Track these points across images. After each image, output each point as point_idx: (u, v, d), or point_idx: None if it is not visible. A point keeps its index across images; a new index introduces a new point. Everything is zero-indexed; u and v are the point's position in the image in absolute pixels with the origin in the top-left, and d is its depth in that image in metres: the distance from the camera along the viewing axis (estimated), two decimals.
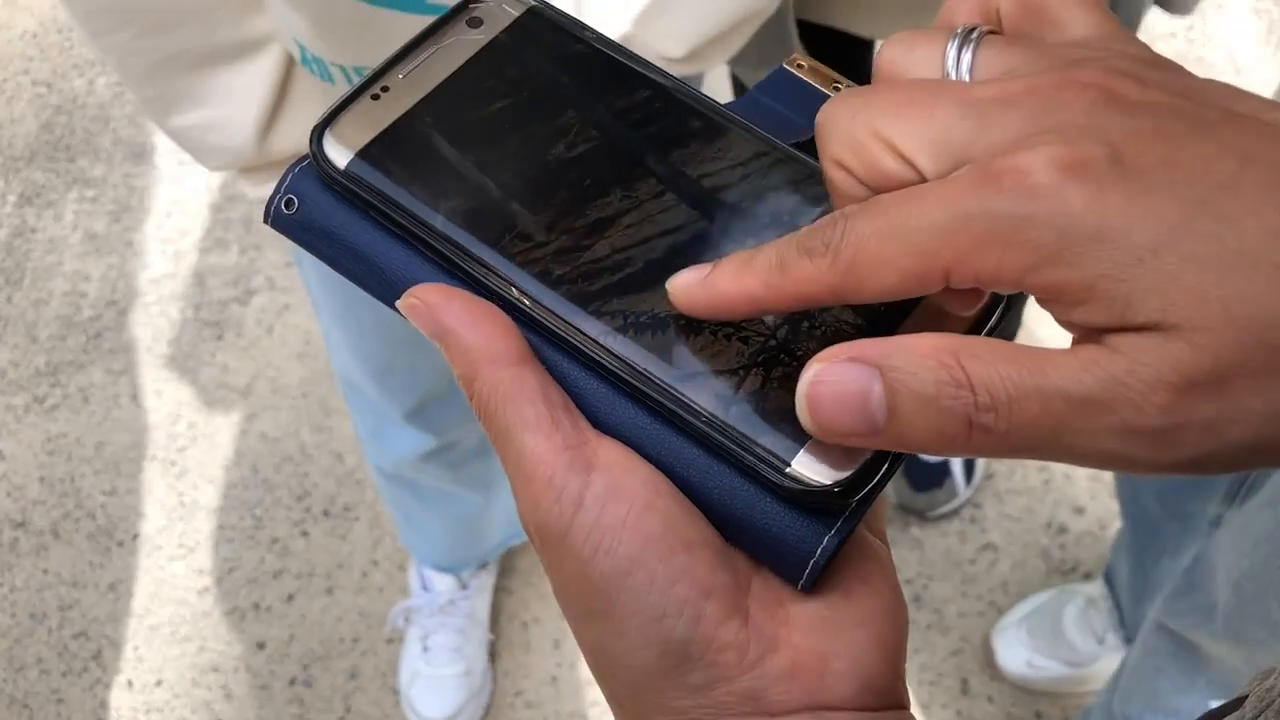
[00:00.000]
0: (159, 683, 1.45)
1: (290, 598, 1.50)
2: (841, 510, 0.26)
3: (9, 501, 1.59)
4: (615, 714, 0.28)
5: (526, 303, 0.28)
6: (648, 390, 0.27)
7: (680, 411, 0.27)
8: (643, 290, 0.28)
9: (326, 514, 1.56)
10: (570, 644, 1.44)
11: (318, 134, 0.30)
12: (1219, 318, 0.20)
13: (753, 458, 0.26)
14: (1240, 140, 0.22)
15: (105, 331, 1.73)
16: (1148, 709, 0.91)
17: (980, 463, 1.51)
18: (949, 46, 0.26)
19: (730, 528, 0.27)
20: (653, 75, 0.32)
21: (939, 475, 1.47)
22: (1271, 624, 0.73)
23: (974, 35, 0.26)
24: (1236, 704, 0.39)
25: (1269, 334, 0.20)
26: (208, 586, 1.51)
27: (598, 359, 0.27)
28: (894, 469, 0.27)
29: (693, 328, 0.28)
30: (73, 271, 1.80)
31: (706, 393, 0.27)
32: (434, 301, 0.27)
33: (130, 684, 1.45)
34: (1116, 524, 1.48)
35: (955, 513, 1.50)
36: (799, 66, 0.32)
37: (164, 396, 1.67)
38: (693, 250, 0.28)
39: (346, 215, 0.30)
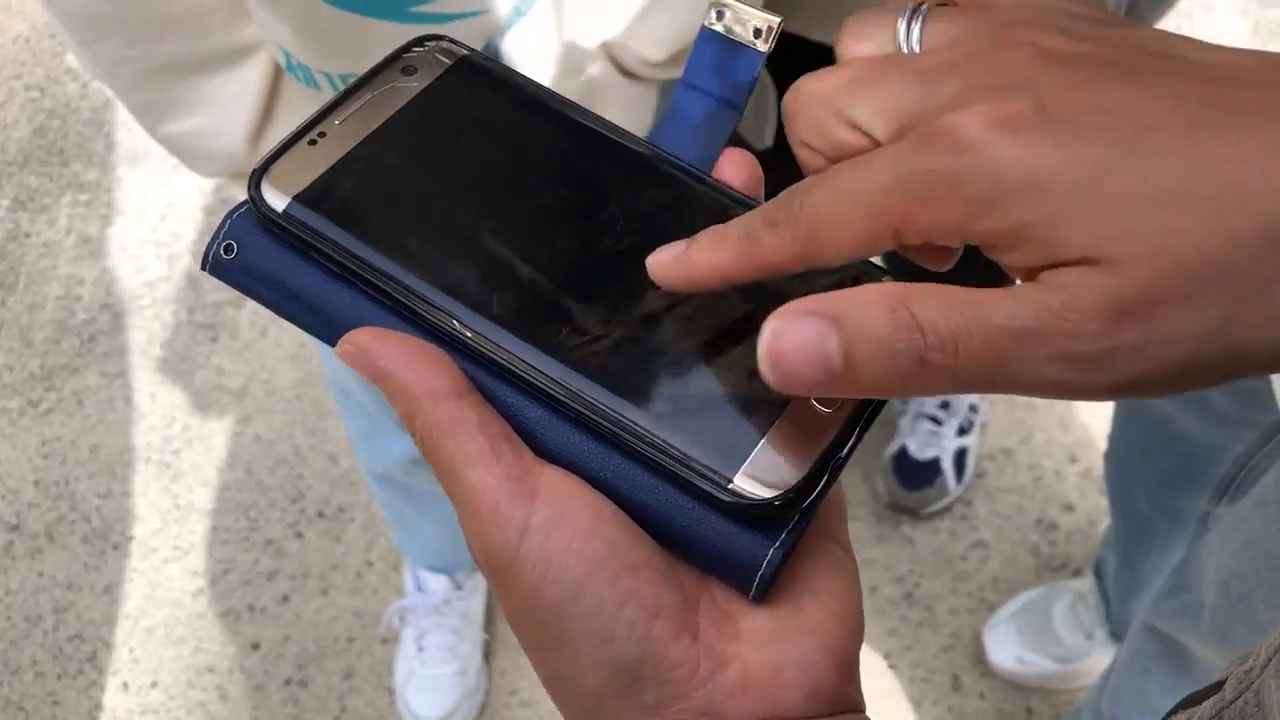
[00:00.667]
0: (154, 684, 1.45)
1: (285, 599, 1.50)
2: (785, 523, 0.27)
3: (3, 505, 1.59)
4: None
5: (467, 335, 0.28)
6: (588, 413, 0.27)
7: (621, 433, 0.27)
8: (579, 317, 0.29)
9: (321, 515, 1.56)
10: None
11: (256, 179, 0.30)
12: (1144, 249, 0.22)
13: (695, 475, 0.27)
14: (1168, 82, 0.23)
15: (99, 335, 1.74)
16: (1135, 708, 0.92)
17: (971, 461, 1.52)
18: (899, 22, 0.27)
19: (677, 545, 0.28)
20: (581, 119, 0.33)
21: (930, 474, 1.48)
22: (1258, 626, 0.74)
23: (921, 9, 0.27)
24: (1216, 687, 0.40)
25: (1192, 261, 0.21)
26: (202, 588, 1.52)
27: (538, 385, 0.28)
28: (832, 481, 0.28)
29: (629, 351, 0.28)
30: (67, 275, 1.81)
31: (647, 413, 0.27)
32: (368, 345, 0.28)
33: (126, 686, 1.45)
34: (1105, 521, 1.49)
35: (946, 510, 1.51)
36: (718, 17, 0.33)
37: (158, 399, 1.67)
38: (622, 275, 0.29)
39: (285, 258, 0.30)
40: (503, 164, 0.32)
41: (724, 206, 0.31)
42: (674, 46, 0.75)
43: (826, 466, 0.27)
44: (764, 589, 0.27)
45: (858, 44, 0.28)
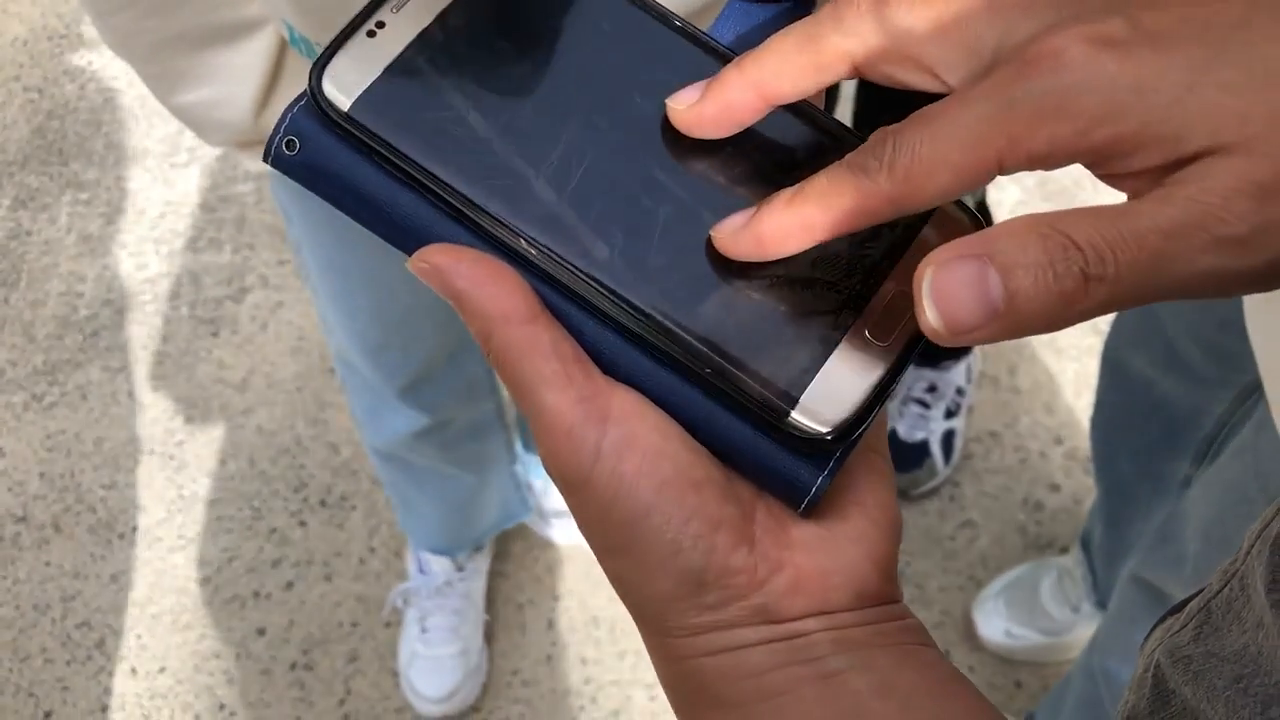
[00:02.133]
0: (162, 670, 1.48)
1: (289, 585, 1.53)
2: (832, 453, 0.29)
3: (10, 497, 1.62)
4: (640, 629, 0.30)
5: (534, 253, 0.28)
6: (654, 337, 0.28)
7: (688, 361, 0.28)
8: (649, 238, 0.29)
9: (323, 504, 1.59)
10: (564, 625, 1.48)
11: (317, 75, 0.29)
12: (1266, 128, 0.23)
13: (754, 404, 0.28)
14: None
15: (102, 330, 1.76)
16: (1124, 662, 0.95)
17: (959, 443, 1.55)
18: None
19: (734, 463, 0.29)
20: (667, 17, 0.32)
21: (919, 456, 1.52)
22: None
23: None
24: (1181, 606, 0.43)
25: None
26: (208, 576, 1.54)
27: (608, 309, 0.28)
28: (877, 412, 0.29)
29: (698, 276, 0.28)
30: (68, 272, 1.83)
31: (713, 342, 0.28)
32: (443, 264, 0.28)
33: (134, 671, 1.48)
34: (1089, 500, 1.53)
35: (935, 492, 1.55)
36: None
37: (161, 393, 1.70)
38: (691, 193, 0.29)
39: (350, 158, 0.29)
40: (568, 62, 0.30)
41: (796, 116, 0.31)
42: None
43: (876, 399, 0.28)
44: (811, 509, 0.29)
45: None
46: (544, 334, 0.28)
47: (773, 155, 0.30)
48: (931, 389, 1.53)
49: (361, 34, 0.30)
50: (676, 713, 0.31)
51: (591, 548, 0.30)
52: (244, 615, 1.51)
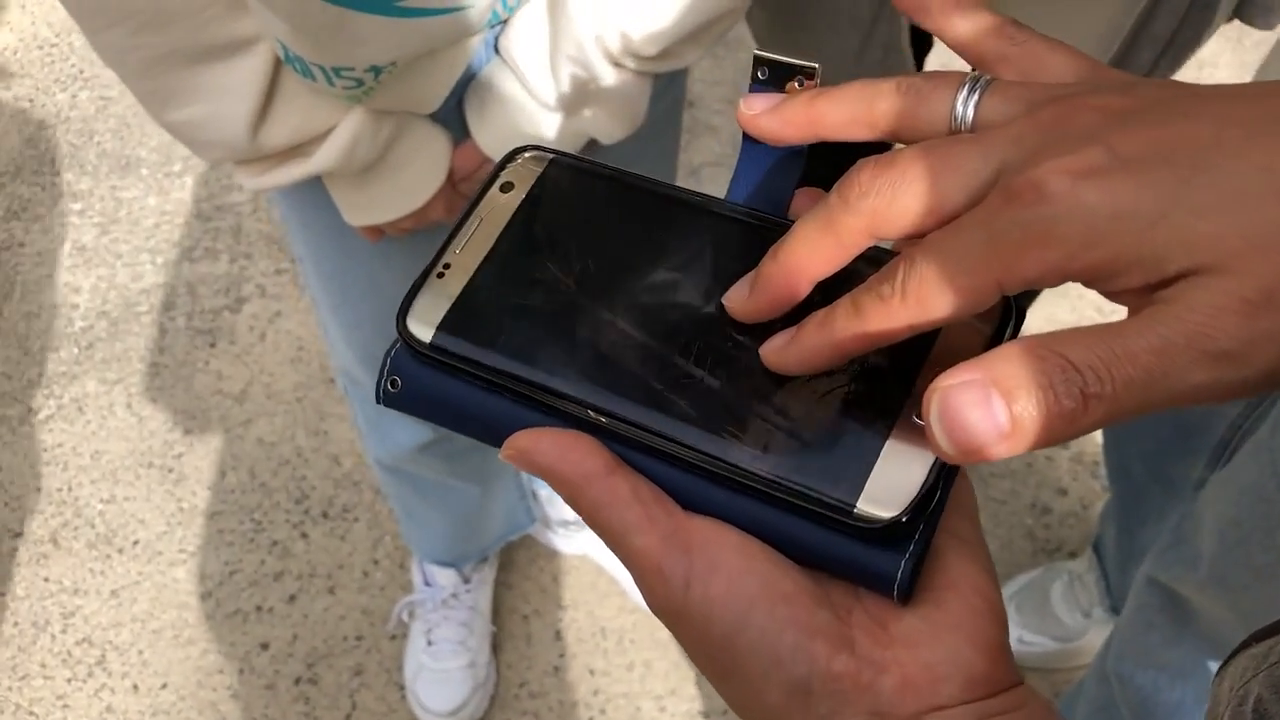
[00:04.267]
0: (164, 686, 1.46)
1: (292, 598, 1.51)
2: (912, 533, 0.30)
3: (7, 512, 1.60)
4: None
5: (605, 420, 0.32)
6: (721, 470, 0.31)
7: (753, 484, 0.30)
8: (702, 382, 0.32)
9: (325, 515, 1.58)
10: (571, 635, 1.47)
11: (401, 318, 0.34)
12: (1242, 247, 0.24)
13: (823, 509, 0.30)
14: (1212, 110, 0.26)
15: (97, 342, 1.74)
16: (1139, 666, 0.95)
17: None
18: (959, 92, 0.30)
19: (820, 566, 0.31)
20: (668, 192, 0.36)
21: None
22: (1254, 568, 0.77)
23: (980, 82, 0.30)
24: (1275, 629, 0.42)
25: None
26: (210, 590, 1.53)
27: (675, 454, 0.31)
28: (949, 487, 0.30)
29: (748, 405, 0.31)
30: (63, 284, 1.81)
31: (770, 460, 0.30)
32: (526, 446, 0.32)
33: (136, 688, 1.46)
34: (1098, 504, 1.53)
35: None
36: (763, 74, 0.35)
37: (159, 404, 1.68)
38: (732, 336, 0.33)
39: (443, 381, 0.34)
40: (607, 252, 0.35)
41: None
42: (666, 41, 0.78)
43: (939, 476, 0.30)
44: (905, 595, 0.30)
45: (914, 112, 0.31)
46: (622, 484, 0.31)
47: (813, 291, 0.33)
48: None
49: (433, 277, 0.35)
50: None
51: (705, 676, 0.31)
52: (247, 629, 1.49)
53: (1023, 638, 1.37)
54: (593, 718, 1.42)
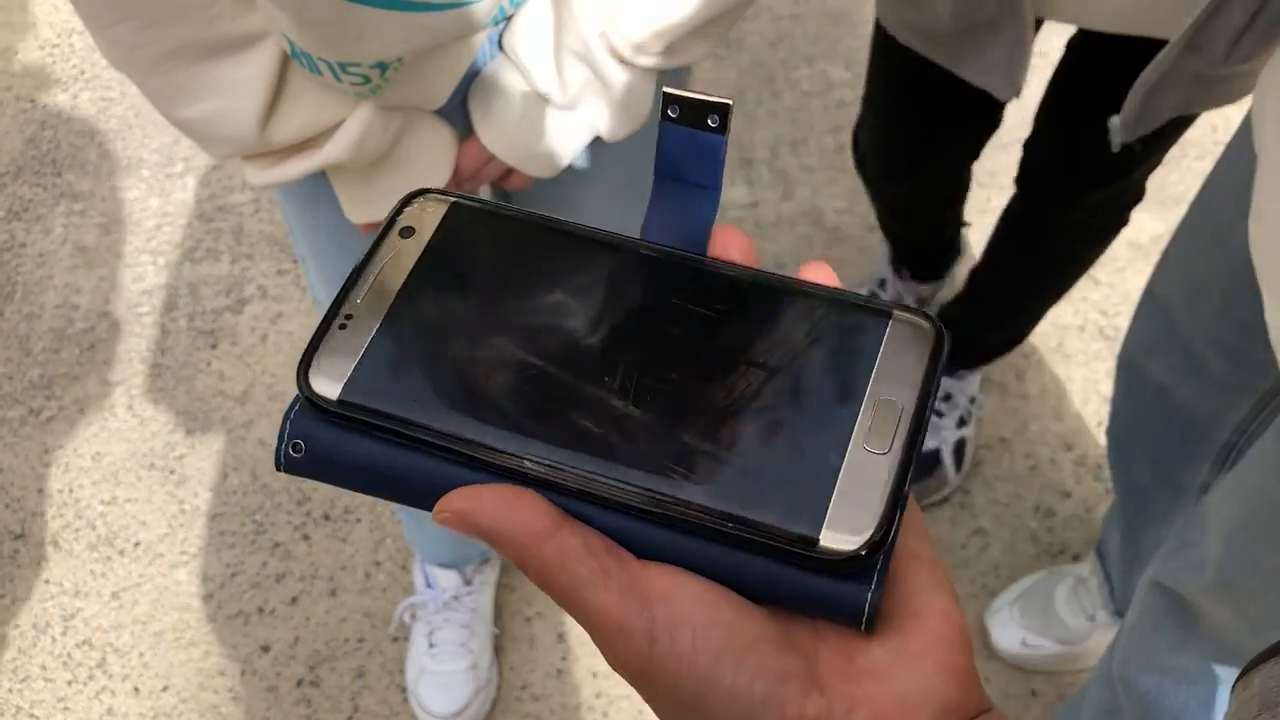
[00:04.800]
0: (165, 688, 1.46)
1: (294, 600, 1.51)
2: (874, 562, 0.29)
3: (7, 513, 1.59)
4: None
5: (540, 470, 0.30)
6: (670, 513, 0.29)
7: (708, 524, 0.29)
8: (636, 422, 0.30)
9: (327, 518, 1.57)
10: (574, 637, 1.47)
11: (303, 375, 0.31)
12: None
13: (784, 544, 0.29)
14: None
15: (99, 343, 1.74)
16: (1144, 670, 0.94)
17: (969, 451, 1.54)
18: None
19: (782, 604, 0.30)
20: (576, 232, 0.34)
21: (929, 464, 1.51)
22: (1261, 572, 0.76)
23: None
24: None
25: None
26: (211, 592, 1.52)
27: (623, 499, 0.30)
28: (899, 518, 0.29)
29: (692, 445, 0.30)
30: (64, 285, 1.81)
31: (724, 500, 0.29)
32: (463, 508, 0.30)
33: (137, 690, 1.45)
34: (1101, 507, 1.52)
35: (945, 500, 1.53)
36: (675, 111, 0.33)
37: (160, 406, 1.68)
38: (663, 371, 0.31)
39: (354, 442, 0.31)
40: (518, 296, 0.33)
41: (734, 282, 0.33)
42: (671, 37, 0.77)
43: (894, 505, 0.29)
44: (871, 626, 0.29)
45: None
46: (571, 539, 0.29)
47: (740, 328, 0.32)
48: (947, 398, 1.51)
49: (334, 329, 0.32)
50: None
51: None
52: (248, 632, 1.49)
53: (1026, 640, 1.37)
54: None
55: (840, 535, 0.29)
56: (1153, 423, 1.08)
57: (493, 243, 0.34)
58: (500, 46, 0.81)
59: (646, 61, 0.79)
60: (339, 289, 0.33)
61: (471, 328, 0.32)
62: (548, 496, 0.30)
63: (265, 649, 1.48)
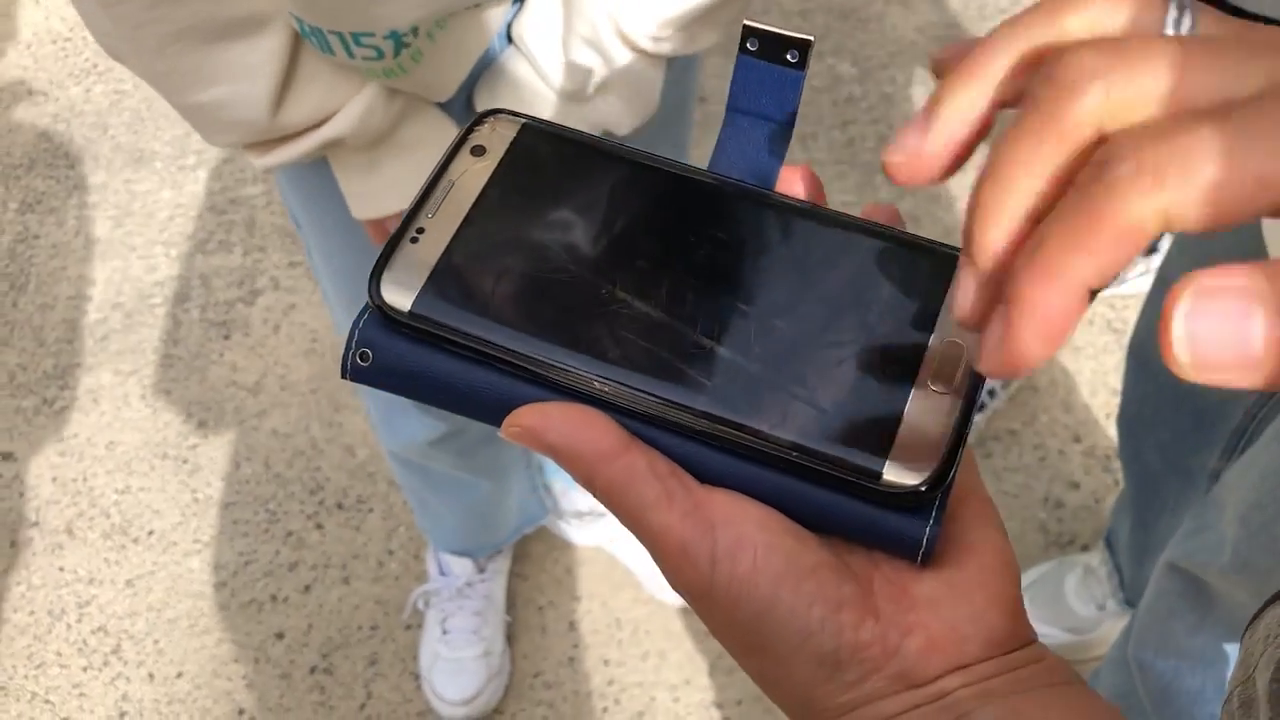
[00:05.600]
0: (180, 675, 1.46)
1: (307, 588, 1.52)
2: (933, 500, 0.30)
3: (23, 502, 1.60)
4: (790, 718, 0.31)
5: (609, 390, 0.30)
6: (738, 439, 0.30)
7: (774, 453, 0.30)
8: (712, 357, 0.31)
9: (340, 506, 1.58)
10: (585, 626, 1.47)
11: (375, 285, 0.32)
12: None
13: (848, 475, 0.29)
14: None
15: (112, 334, 1.75)
16: (1160, 654, 0.95)
17: (969, 437, 1.55)
18: (1169, 11, 0.25)
19: (841, 534, 0.31)
20: (647, 160, 0.35)
21: None
22: (1278, 552, 0.77)
23: (1187, 4, 0.25)
24: None
25: None
26: (225, 580, 1.53)
27: (691, 424, 0.30)
28: (960, 455, 0.30)
29: (761, 372, 0.31)
30: (77, 276, 1.82)
31: (792, 431, 0.30)
32: (533, 424, 0.30)
33: (151, 677, 1.46)
34: (1110, 497, 1.53)
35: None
36: (754, 44, 0.33)
37: (173, 396, 1.69)
38: (733, 300, 0.32)
39: (423, 353, 0.31)
40: (591, 219, 0.33)
41: (804, 215, 0.34)
42: (681, 22, 0.78)
43: (957, 443, 0.30)
44: (928, 559, 0.30)
45: (1119, 21, 0.25)
46: (639, 461, 0.30)
47: (809, 264, 0.32)
48: None
49: (406, 243, 0.33)
50: None
51: (729, 651, 0.31)
52: (261, 619, 1.50)
53: (1037, 630, 1.38)
54: (607, 708, 1.42)
55: (903, 470, 0.29)
56: (1163, 409, 1.09)
57: (563, 166, 0.35)
58: (509, 39, 0.81)
59: (656, 47, 0.79)
60: (413, 204, 0.33)
61: (542, 248, 0.32)
62: (615, 418, 0.30)
63: (279, 636, 1.48)
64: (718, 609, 0.29)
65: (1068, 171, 0.24)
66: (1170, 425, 1.08)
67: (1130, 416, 1.18)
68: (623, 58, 0.79)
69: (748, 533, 0.29)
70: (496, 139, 0.35)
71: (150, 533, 1.57)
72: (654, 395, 0.30)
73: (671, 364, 0.31)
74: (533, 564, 1.53)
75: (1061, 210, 0.23)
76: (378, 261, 0.32)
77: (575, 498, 1.48)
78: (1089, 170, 0.23)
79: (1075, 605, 1.37)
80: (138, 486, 1.61)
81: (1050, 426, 1.60)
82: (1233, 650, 0.90)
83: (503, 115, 0.36)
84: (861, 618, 0.29)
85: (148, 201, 1.90)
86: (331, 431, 1.64)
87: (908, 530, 0.30)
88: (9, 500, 1.60)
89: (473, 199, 0.34)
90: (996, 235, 0.24)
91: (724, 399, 0.30)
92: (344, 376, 0.32)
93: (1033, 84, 0.24)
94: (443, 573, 1.43)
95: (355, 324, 0.32)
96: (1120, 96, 0.23)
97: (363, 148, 0.81)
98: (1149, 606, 0.97)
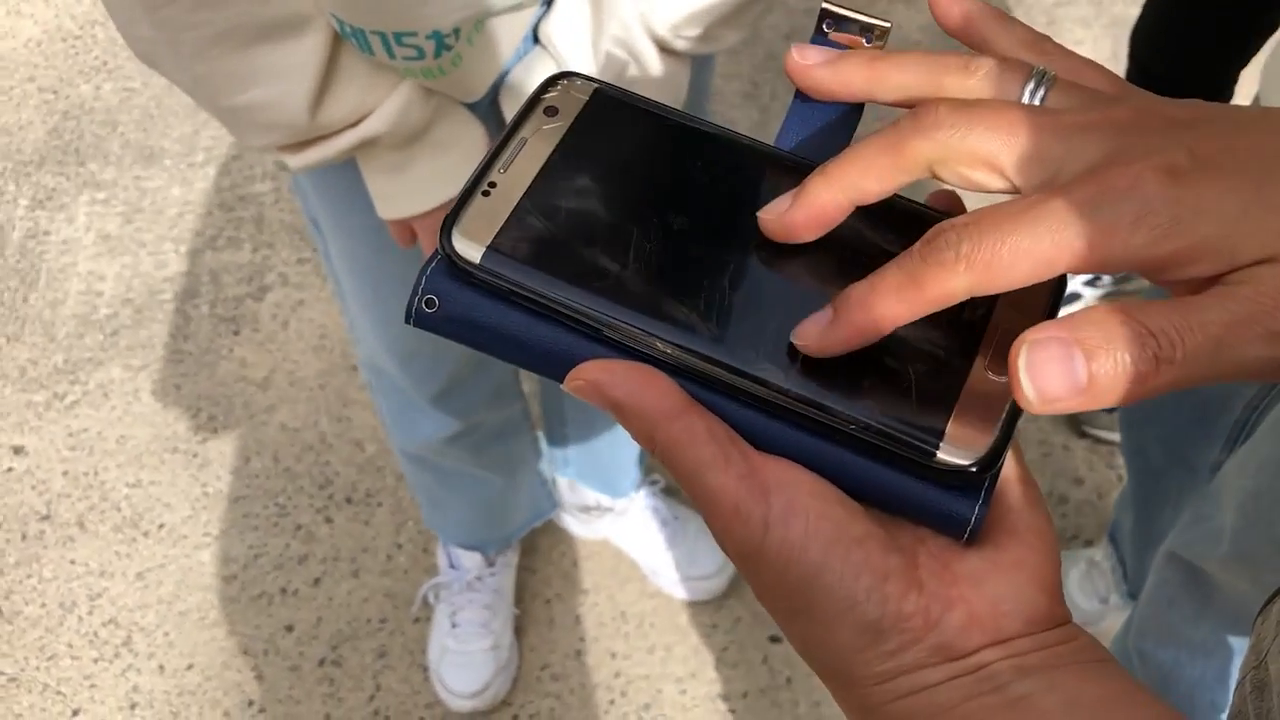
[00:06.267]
0: (190, 667, 1.48)
1: (317, 581, 1.53)
2: (982, 482, 0.31)
3: (34, 495, 1.62)
4: (829, 686, 0.32)
5: (674, 354, 0.31)
6: (800, 410, 0.31)
7: (833, 425, 0.31)
8: (775, 328, 0.32)
9: (349, 500, 1.59)
10: (592, 619, 1.49)
11: (447, 234, 0.32)
12: None
13: (904, 453, 0.30)
14: (1266, 130, 0.30)
15: (122, 329, 1.76)
16: (1160, 643, 0.96)
17: None
18: (1027, 84, 0.32)
19: (891, 509, 0.32)
20: (717, 132, 0.36)
21: None
22: (1276, 540, 0.78)
23: (1046, 78, 0.32)
24: None
25: None
26: (235, 573, 1.54)
27: (752, 391, 0.31)
28: (1009, 444, 0.31)
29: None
30: (87, 272, 1.83)
31: (850, 405, 0.31)
32: (598, 379, 0.31)
33: (162, 669, 1.48)
34: (1114, 493, 1.54)
35: None
36: (830, 26, 0.35)
37: (183, 391, 1.70)
38: (804, 283, 0.33)
39: (489, 304, 0.32)
40: (660, 184, 0.34)
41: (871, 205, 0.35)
42: (708, 20, 0.79)
43: (1009, 427, 0.31)
44: (974, 538, 0.31)
45: (986, 88, 0.32)
46: (698, 423, 0.31)
47: (873, 245, 0.34)
48: None
49: (477, 195, 0.33)
50: None
51: (772, 614, 0.32)
52: (271, 612, 1.51)
53: None
54: (614, 700, 1.43)
55: (957, 450, 0.30)
56: (1164, 404, 1.10)
57: (635, 131, 0.35)
58: (536, 40, 0.82)
59: (685, 46, 0.80)
60: (486, 158, 0.34)
61: (612, 210, 0.33)
62: (683, 383, 0.31)
63: (288, 629, 1.50)
64: (767, 570, 0.30)
65: (891, 186, 0.31)
66: (1172, 419, 1.09)
67: (1133, 411, 1.19)
68: (652, 57, 0.80)
69: (801, 499, 0.30)
70: (569, 101, 0.36)
71: (161, 526, 1.58)
72: (716, 361, 0.31)
73: (734, 332, 0.31)
74: (540, 557, 1.54)
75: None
76: (450, 213, 0.33)
77: (583, 493, 1.49)
78: (920, 246, 0.30)
79: (1079, 599, 1.38)
80: (148, 480, 1.62)
81: (1054, 422, 1.61)
82: (1233, 639, 0.91)
83: (576, 78, 0.36)
84: (906, 589, 0.30)
85: (157, 198, 1.91)
86: (340, 426, 1.65)
87: (957, 509, 0.31)
88: (21, 494, 1.62)
89: (544, 158, 0.34)
90: (816, 196, 0.32)
91: (784, 369, 0.31)
92: (408, 322, 0.33)
93: (903, 117, 0.31)
94: (453, 566, 1.44)
95: (423, 271, 0.33)
96: (953, 149, 0.30)
97: (396, 146, 0.82)
98: (1149, 597, 0.98)
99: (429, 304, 0.33)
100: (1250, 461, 0.83)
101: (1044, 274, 0.28)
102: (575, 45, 0.80)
